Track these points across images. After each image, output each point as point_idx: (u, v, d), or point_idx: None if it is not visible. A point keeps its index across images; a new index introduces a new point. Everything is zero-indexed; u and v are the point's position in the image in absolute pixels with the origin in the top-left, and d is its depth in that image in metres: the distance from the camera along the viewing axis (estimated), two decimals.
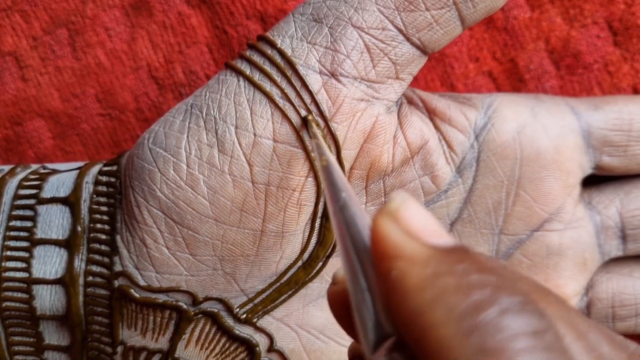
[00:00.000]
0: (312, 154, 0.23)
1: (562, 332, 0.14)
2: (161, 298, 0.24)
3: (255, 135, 0.22)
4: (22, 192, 0.25)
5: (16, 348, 0.25)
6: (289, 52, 0.23)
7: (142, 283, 0.24)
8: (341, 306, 0.16)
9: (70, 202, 0.24)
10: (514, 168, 0.25)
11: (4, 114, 0.31)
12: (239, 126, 0.22)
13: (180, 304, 0.24)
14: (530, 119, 0.25)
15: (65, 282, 0.24)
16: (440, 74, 0.30)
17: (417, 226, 0.14)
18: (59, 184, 0.25)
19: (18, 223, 0.25)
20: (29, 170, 0.26)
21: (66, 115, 0.31)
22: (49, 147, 0.31)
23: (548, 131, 0.25)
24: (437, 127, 0.25)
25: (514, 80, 0.30)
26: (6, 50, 0.31)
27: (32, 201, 0.25)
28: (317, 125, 0.22)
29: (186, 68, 0.31)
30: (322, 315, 0.25)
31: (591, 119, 0.26)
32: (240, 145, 0.22)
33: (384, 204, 0.14)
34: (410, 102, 0.25)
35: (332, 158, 0.19)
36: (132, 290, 0.24)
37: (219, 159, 0.22)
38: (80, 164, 0.27)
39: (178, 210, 0.23)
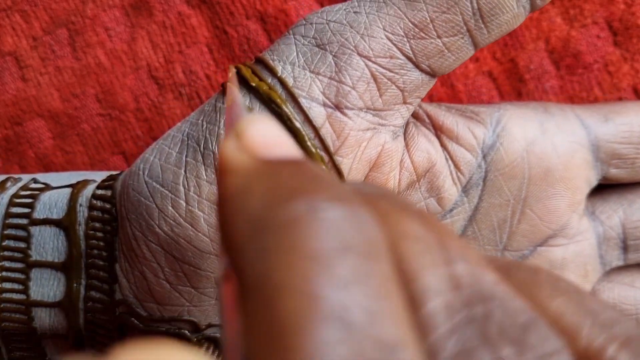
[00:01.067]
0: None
1: (405, 247, 0.12)
2: (163, 326, 0.23)
3: None
4: (14, 210, 0.25)
5: None
6: (290, 81, 0.21)
7: (143, 314, 0.23)
8: None
9: (65, 225, 0.24)
10: (521, 187, 0.25)
11: (4, 114, 0.31)
12: None
13: (183, 331, 0.23)
14: (539, 135, 0.25)
15: (65, 306, 0.23)
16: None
17: (255, 141, 0.13)
18: (51, 203, 0.25)
19: (12, 243, 0.24)
20: (19, 184, 0.26)
21: (66, 115, 0.31)
22: (49, 147, 0.31)
23: (557, 148, 0.25)
24: (444, 146, 0.24)
25: (514, 80, 0.30)
26: (6, 50, 0.31)
27: (24, 221, 0.24)
28: (244, 74, 0.21)
29: (186, 68, 0.31)
30: None
31: (600, 131, 0.25)
32: None
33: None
34: (417, 117, 0.24)
35: (239, 99, 0.18)
36: (133, 319, 0.23)
37: None
38: (72, 177, 0.26)
39: (178, 247, 0.22)
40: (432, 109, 0.25)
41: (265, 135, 0.13)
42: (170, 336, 0.23)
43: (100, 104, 0.31)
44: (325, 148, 0.22)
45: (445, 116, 0.24)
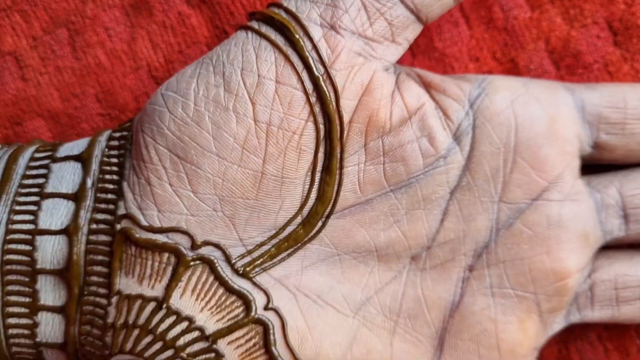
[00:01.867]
0: (312, 99, 0.24)
1: None
2: (161, 239, 0.25)
3: (259, 76, 0.24)
4: (38, 155, 0.27)
5: (10, 310, 0.25)
6: (293, 9, 0.25)
7: (144, 223, 0.25)
8: None
9: (83, 158, 0.26)
10: (510, 135, 0.26)
11: (4, 114, 0.31)
12: (245, 68, 0.24)
13: (179, 246, 0.25)
14: (523, 91, 0.26)
15: (69, 231, 0.25)
16: (441, 74, 0.30)
17: None
18: (74, 145, 0.27)
19: (30, 181, 0.26)
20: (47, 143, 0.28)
21: (66, 115, 0.31)
22: None
23: (541, 102, 0.26)
24: (432, 98, 0.26)
25: None
26: (6, 50, 0.31)
27: (46, 161, 0.26)
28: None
29: None
30: (320, 279, 0.26)
31: (585, 95, 0.27)
32: (244, 84, 0.24)
33: None
34: (407, 75, 0.26)
35: None
36: (133, 231, 0.24)
37: (224, 97, 0.24)
38: None
39: (183, 146, 0.24)
40: (422, 71, 0.27)
41: None
42: (167, 251, 0.25)
43: (100, 104, 0.31)
44: (321, 59, 0.24)
45: (434, 76, 0.26)
